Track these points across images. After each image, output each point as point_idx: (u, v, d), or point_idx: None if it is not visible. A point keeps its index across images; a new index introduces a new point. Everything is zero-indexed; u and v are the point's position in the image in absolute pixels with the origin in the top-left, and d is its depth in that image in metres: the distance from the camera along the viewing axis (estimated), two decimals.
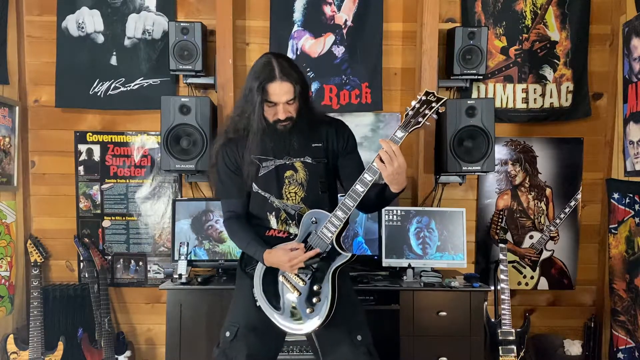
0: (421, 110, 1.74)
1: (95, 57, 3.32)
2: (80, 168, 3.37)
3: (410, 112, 1.75)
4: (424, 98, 1.75)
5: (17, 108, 3.23)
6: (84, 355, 3.07)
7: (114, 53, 3.34)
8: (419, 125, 1.74)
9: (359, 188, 1.80)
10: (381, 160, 1.72)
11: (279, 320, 1.92)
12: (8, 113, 3.15)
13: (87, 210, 3.37)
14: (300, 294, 1.90)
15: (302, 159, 1.98)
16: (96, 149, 3.37)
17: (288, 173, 1.98)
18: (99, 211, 3.37)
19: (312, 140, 1.99)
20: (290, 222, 1.98)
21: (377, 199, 1.89)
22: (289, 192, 1.98)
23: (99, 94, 3.32)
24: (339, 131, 2.04)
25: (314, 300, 1.87)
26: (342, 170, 2.03)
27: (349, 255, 1.87)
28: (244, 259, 2.07)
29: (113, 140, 3.37)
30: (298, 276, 1.91)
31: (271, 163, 1.98)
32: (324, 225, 1.86)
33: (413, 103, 1.75)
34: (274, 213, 1.99)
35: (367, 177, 1.79)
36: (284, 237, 1.98)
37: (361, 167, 2.00)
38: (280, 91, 1.86)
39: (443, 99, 1.74)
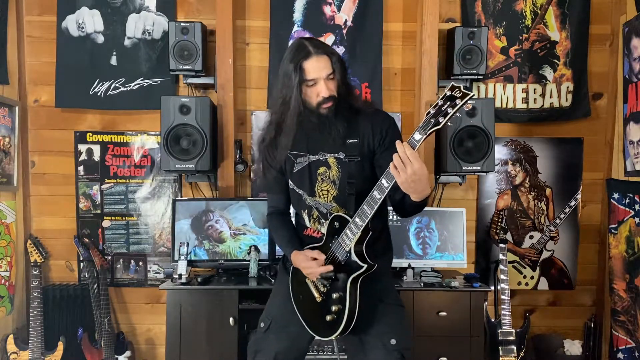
0: (443, 108, 1.51)
1: (95, 57, 3.32)
2: (80, 168, 3.37)
3: (432, 111, 1.52)
4: (448, 94, 1.50)
5: (17, 108, 3.23)
6: (84, 355, 3.07)
7: (114, 53, 3.34)
8: (440, 126, 1.51)
9: (377, 195, 1.66)
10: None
11: (304, 323, 1.90)
12: (8, 113, 3.15)
13: (87, 210, 3.37)
14: (322, 299, 1.86)
15: (335, 155, 1.87)
16: (96, 149, 3.36)
17: (321, 170, 1.89)
18: (99, 211, 3.37)
19: (349, 136, 1.85)
20: (322, 221, 1.91)
21: (401, 205, 1.76)
22: (322, 190, 1.90)
23: (99, 94, 3.32)
24: (375, 124, 1.87)
25: (334, 308, 1.81)
26: (377, 169, 1.87)
27: (364, 267, 1.75)
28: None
29: (113, 140, 3.37)
30: (320, 282, 1.86)
31: (305, 159, 1.91)
32: (343, 231, 1.78)
33: (438, 99, 1.53)
34: (306, 211, 1.94)
35: (384, 182, 1.63)
36: (318, 237, 1.92)
37: None
38: (319, 65, 1.77)
39: (469, 94, 1.48)
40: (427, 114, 1.54)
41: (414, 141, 1.55)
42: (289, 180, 1.96)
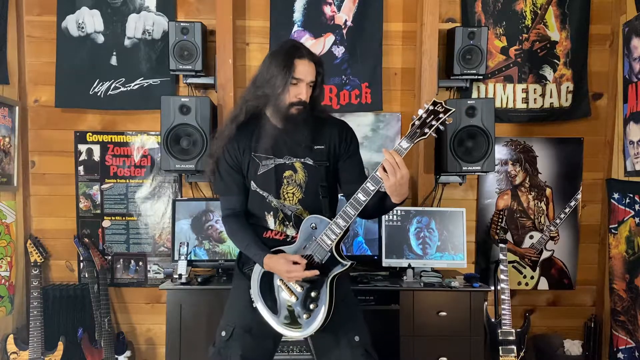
0: (428, 120, 1.69)
1: (95, 57, 3.32)
2: (80, 168, 3.37)
3: (417, 122, 1.70)
4: (431, 108, 1.70)
5: (17, 108, 3.23)
6: (84, 355, 3.07)
7: (114, 53, 3.34)
8: (425, 137, 1.70)
9: (361, 197, 1.76)
10: (384, 170, 1.68)
11: (275, 324, 1.92)
12: (8, 113, 3.15)
13: (87, 210, 3.37)
14: (297, 298, 1.89)
15: (302, 160, 1.96)
16: (96, 149, 3.37)
17: (287, 173, 1.95)
18: (99, 211, 3.37)
19: (315, 142, 1.96)
20: (287, 223, 1.97)
21: (377, 207, 1.87)
22: (287, 193, 1.96)
23: (99, 94, 3.32)
24: (341, 133, 2.01)
25: (311, 306, 1.87)
26: (341, 174, 2.01)
27: (348, 264, 1.85)
28: (241, 259, 2.06)
29: (113, 140, 3.37)
30: (296, 282, 1.90)
31: (271, 162, 1.96)
32: (323, 232, 1.84)
33: (420, 112, 1.71)
34: (271, 212, 1.98)
35: (370, 186, 1.75)
36: (281, 240, 1.96)
37: (362, 172, 2.01)
38: (308, 70, 1.88)
39: (451, 110, 1.69)
40: (412, 125, 1.71)
41: (402, 149, 1.70)
42: (252, 182, 1.98)
